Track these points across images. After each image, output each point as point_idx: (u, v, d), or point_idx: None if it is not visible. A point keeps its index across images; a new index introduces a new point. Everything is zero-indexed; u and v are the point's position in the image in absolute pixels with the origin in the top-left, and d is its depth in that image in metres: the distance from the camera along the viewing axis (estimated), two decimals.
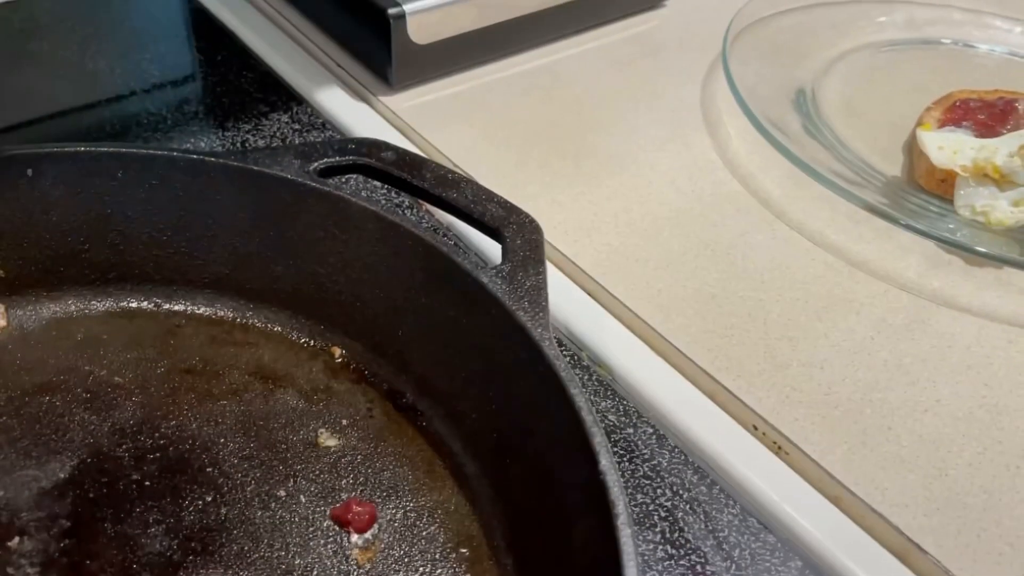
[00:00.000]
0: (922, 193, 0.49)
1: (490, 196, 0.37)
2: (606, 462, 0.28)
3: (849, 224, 0.48)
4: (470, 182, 0.38)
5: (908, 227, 0.45)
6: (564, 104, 0.56)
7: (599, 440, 0.28)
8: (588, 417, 0.29)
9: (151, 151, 0.38)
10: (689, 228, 0.47)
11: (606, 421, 0.39)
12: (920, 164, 0.49)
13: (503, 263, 0.35)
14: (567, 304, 0.43)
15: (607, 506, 0.27)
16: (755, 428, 0.38)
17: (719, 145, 0.53)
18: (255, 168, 0.38)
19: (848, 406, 0.39)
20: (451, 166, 0.51)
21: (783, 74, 0.58)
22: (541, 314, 0.33)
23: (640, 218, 0.48)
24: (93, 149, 0.38)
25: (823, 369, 0.40)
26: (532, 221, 0.37)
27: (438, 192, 0.37)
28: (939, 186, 0.48)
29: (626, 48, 0.61)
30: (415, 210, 0.48)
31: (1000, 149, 0.47)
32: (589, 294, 0.44)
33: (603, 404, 0.39)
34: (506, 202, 0.37)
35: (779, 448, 0.38)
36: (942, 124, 0.51)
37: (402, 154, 0.39)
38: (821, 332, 0.42)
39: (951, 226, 0.47)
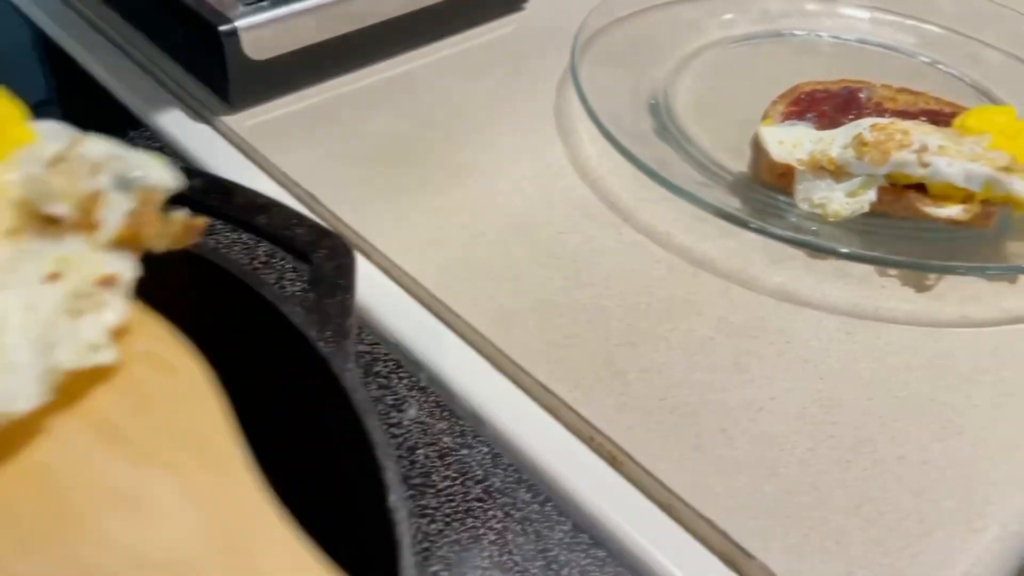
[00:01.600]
0: (765, 188, 0.49)
1: (301, 220, 0.36)
2: (395, 498, 0.27)
3: (695, 223, 0.48)
4: (280, 206, 0.37)
5: (753, 227, 0.45)
6: (416, 115, 0.54)
7: (391, 475, 0.27)
8: (382, 452, 0.28)
9: None
10: (535, 236, 0.47)
11: (440, 444, 0.38)
12: (761, 159, 0.49)
13: (309, 290, 0.33)
14: (406, 325, 0.42)
15: (394, 546, 0.26)
16: (591, 440, 0.38)
17: (571, 151, 0.53)
18: None
19: (684, 410, 0.39)
20: (295, 187, 0.49)
21: (636, 75, 0.57)
22: (345, 343, 0.32)
23: (486, 229, 0.47)
24: None
25: (661, 373, 0.40)
26: (343, 244, 0.35)
27: (246, 218, 0.36)
28: (780, 180, 0.48)
29: (483, 54, 0.60)
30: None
31: (836, 140, 0.47)
32: (431, 312, 0.43)
33: (438, 426, 0.38)
34: (317, 225, 0.36)
35: (614, 459, 0.37)
36: (786, 117, 0.51)
37: (211, 180, 0.37)
38: (661, 335, 0.42)
39: (793, 220, 0.47)
